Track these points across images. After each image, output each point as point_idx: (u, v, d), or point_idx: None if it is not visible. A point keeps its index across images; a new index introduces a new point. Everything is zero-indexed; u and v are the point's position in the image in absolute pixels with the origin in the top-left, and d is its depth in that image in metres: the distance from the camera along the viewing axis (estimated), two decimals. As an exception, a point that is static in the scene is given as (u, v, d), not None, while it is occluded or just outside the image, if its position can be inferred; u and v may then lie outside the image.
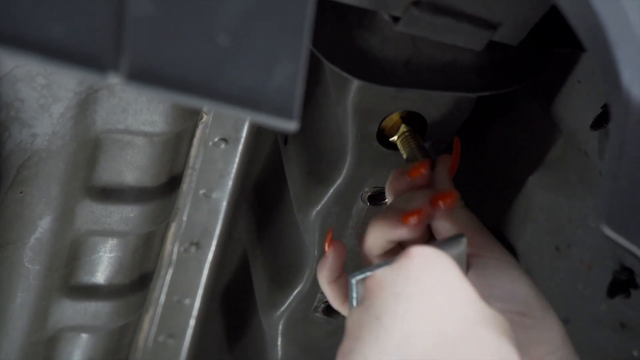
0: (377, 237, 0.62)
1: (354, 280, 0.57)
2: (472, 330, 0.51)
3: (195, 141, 0.91)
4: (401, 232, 0.60)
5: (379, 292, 0.53)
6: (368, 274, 0.56)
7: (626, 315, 0.78)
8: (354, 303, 0.57)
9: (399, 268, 0.53)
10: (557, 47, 0.70)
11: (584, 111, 0.72)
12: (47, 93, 0.77)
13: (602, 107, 0.70)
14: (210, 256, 1.00)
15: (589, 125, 0.72)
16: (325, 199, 0.81)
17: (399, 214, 0.61)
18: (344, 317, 0.93)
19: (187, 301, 1.03)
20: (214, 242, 0.99)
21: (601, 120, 0.70)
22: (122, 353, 1.03)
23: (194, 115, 0.88)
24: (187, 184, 0.94)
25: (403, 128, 0.72)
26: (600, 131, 0.71)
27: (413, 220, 0.60)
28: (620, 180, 0.48)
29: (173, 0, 0.43)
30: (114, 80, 0.42)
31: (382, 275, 0.54)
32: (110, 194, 0.87)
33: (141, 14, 0.42)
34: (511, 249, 0.86)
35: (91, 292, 0.93)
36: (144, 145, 0.85)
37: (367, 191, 0.79)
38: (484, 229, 0.63)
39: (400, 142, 0.72)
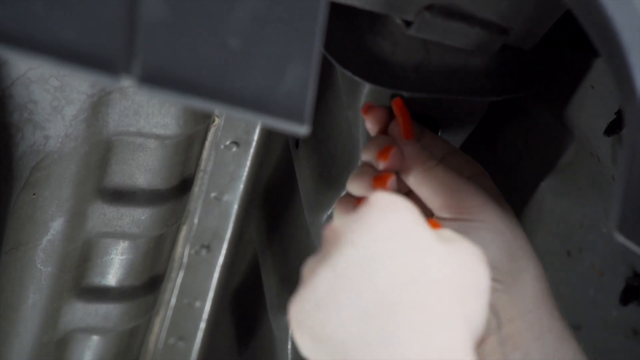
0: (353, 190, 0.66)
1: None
2: (427, 278, 0.49)
3: (207, 144, 0.91)
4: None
5: (335, 241, 0.52)
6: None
7: (639, 322, 0.77)
8: None
9: (357, 216, 0.52)
10: (570, 52, 0.70)
11: (597, 116, 0.72)
12: (60, 95, 0.78)
13: (615, 113, 0.70)
14: (220, 259, 1.00)
15: (602, 130, 0.71)
16: (336, 202, 0.81)
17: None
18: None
19: (197, 304, 1.03)
20: (225, 245, 0.99)
21: (615, 126, 0.70)
22: (133, 355, 1.03)
23: (206, 119, 0.88)
24: (199, 187, 0.94)
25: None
26: (613, 137, 0.71)
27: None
28: (633, 186, 0.48)
29: (185, 5, 0.43)
30: (126, 83, 0.43)
31: (340, 224, 0.52)
32: (121, 196, 0.87)
33: (153, 18, 0.42)
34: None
35: (102, 294, 0.93)
36: (156, 147, 0.85)
37: (378, 195, 0.79)
38: (465, 186, 0.63)
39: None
